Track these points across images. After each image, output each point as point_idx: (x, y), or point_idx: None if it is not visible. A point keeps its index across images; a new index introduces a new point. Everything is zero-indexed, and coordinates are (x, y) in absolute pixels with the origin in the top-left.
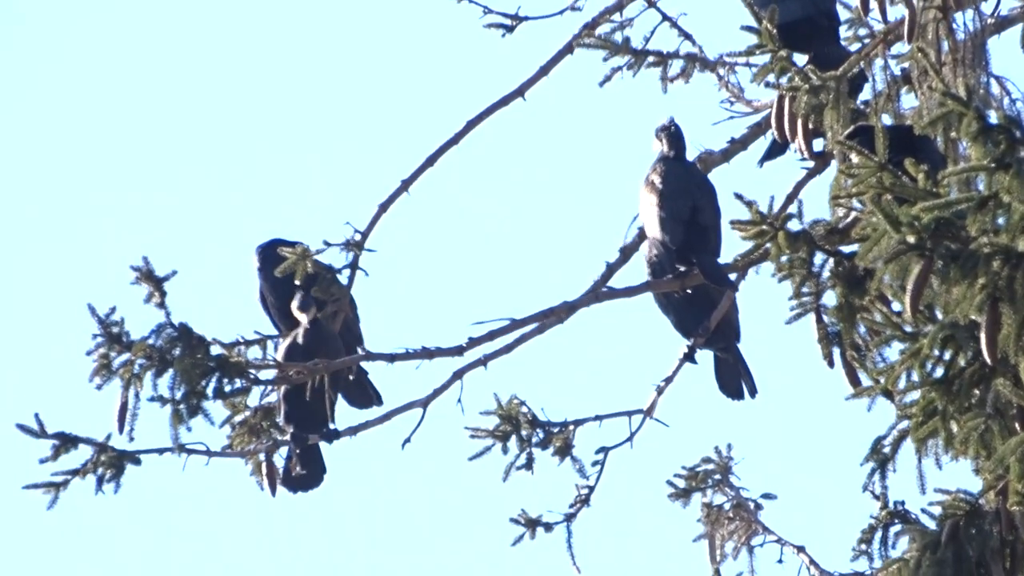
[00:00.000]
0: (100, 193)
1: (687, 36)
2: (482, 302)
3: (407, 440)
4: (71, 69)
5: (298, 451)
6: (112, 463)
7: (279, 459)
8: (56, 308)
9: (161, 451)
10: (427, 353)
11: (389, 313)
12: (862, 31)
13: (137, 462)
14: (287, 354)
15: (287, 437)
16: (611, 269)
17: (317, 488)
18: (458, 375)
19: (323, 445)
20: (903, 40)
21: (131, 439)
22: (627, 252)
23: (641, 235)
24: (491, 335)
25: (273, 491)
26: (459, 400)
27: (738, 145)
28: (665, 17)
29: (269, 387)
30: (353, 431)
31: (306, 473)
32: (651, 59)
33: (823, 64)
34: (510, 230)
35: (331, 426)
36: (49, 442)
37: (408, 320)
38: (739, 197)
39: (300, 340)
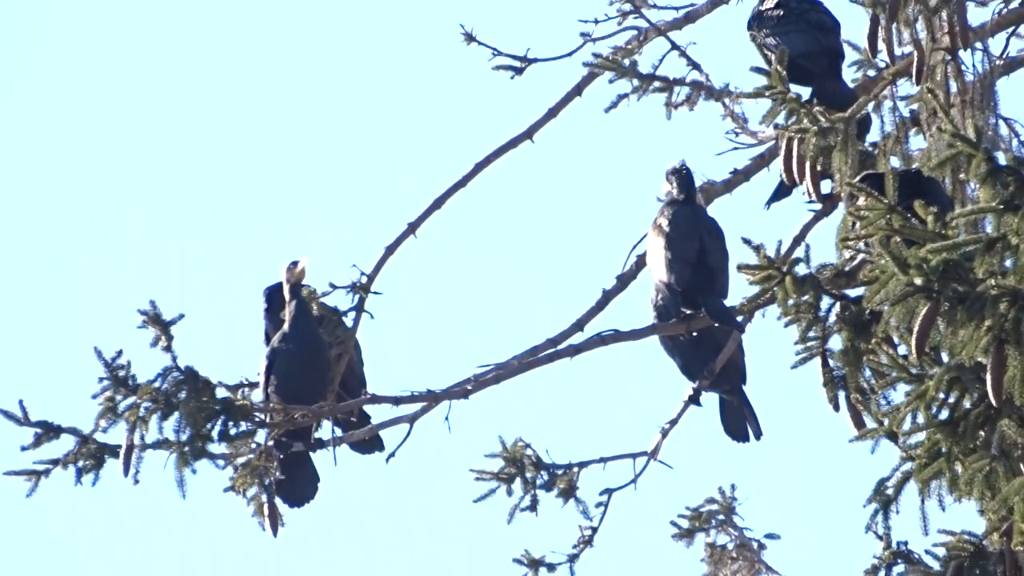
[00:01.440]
0: (108, 229)
1: (695, 65)
2: (488, 339)
3: (392, 454)
4: (76, 108)
5: (281, 456)
6: (93, 455)
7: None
8: (52, 311)
9: (145, 447)
10: (432, 396)
11: (394, 354)
12: (870, 72)
13: (116, 453)
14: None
15: (270, 443)
16: (607, 296)
17: (311, 501)
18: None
19: (317, 461)
20: (911, 80)
21: (136, 482)
22: (624, 280)
23: (639, 264)
24: (496, 378)
25: (275, 531)
26: (446, 418)
27: (740, 176)
28: (674, 46)
29: (274, 431)
30: (339, 441)
31: (299, 486)
32: (657, 84)
33: (826, 100)
34: (515, 267)
35: (315, 435)
36: (32, 430)
37: (413, 361)
38: (747, 242)
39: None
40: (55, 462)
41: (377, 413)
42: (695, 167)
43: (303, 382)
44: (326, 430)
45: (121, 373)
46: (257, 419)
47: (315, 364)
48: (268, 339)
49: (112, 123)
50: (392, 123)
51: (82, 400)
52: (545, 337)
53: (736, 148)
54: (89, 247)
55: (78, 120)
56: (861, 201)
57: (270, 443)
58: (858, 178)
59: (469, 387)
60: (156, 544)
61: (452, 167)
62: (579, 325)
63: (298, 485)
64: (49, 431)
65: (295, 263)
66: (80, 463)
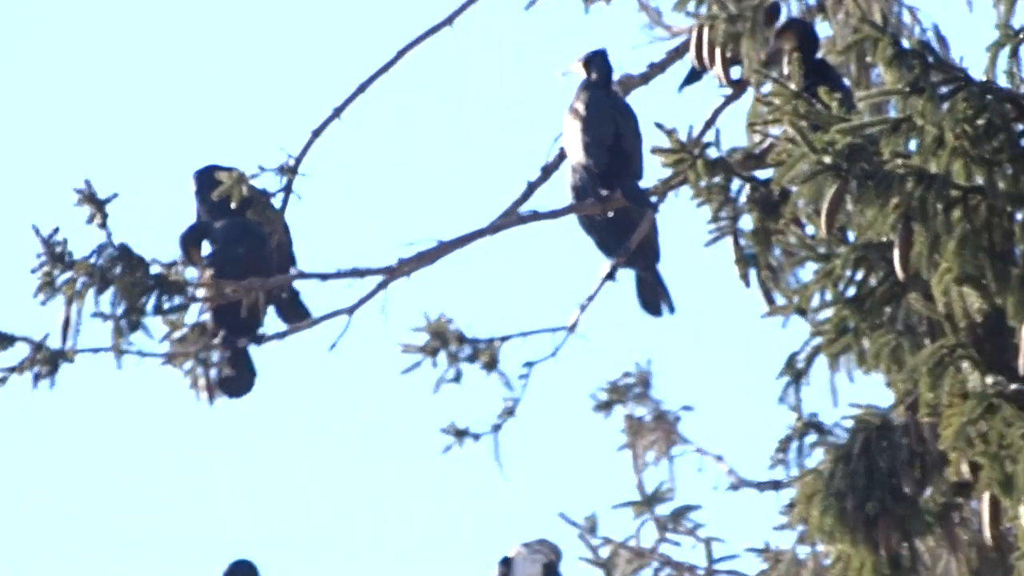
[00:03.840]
0: (45, 116)
1: None
2: (412, 221)
3: (333, 345)
4: None
5: (228, 354)
6: (47, 361)
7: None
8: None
9: (96, 351)
10: (357, 272)
11: (321, 235)
12: None
13: (71, 360)
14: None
15: (217, 341)
16: (532, 187)
17: (249, 392)
18: (383, 285)
19: (253, 350)
20: None
21: (74, 351)
22: (548, 170)
23: (562, 155)
24: (420, 256)
25: (211, 400)
26: (383, 308)
27: (656, 69)
28: None
29: (206, 304)
30: (281, 335)
31: (236, 376)
32: None
33: None
34: (438, 153)
35: (260, 331)
36: None
37: (340, 241)
38: (659, 126)
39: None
40: (11, 369)
41: (306, 288)
42: (613, 62)
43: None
44: (268, 326)
45: (58, 249)
46: (190, 294)
47: (260, 264)
48: (199, 219)
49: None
50: (320, 11)
51: (24, 288)
52: (471, 227)
53: (651, 42)
54: (26, 126)
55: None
56: (767, 87)
57: (217, 340)
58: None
59: (394, 266)
60: (98, 424)
61: (377, 54)
62: (505, 216)
63: (239, 379)
64: (4, 340)
65: None
66: (36, 369)
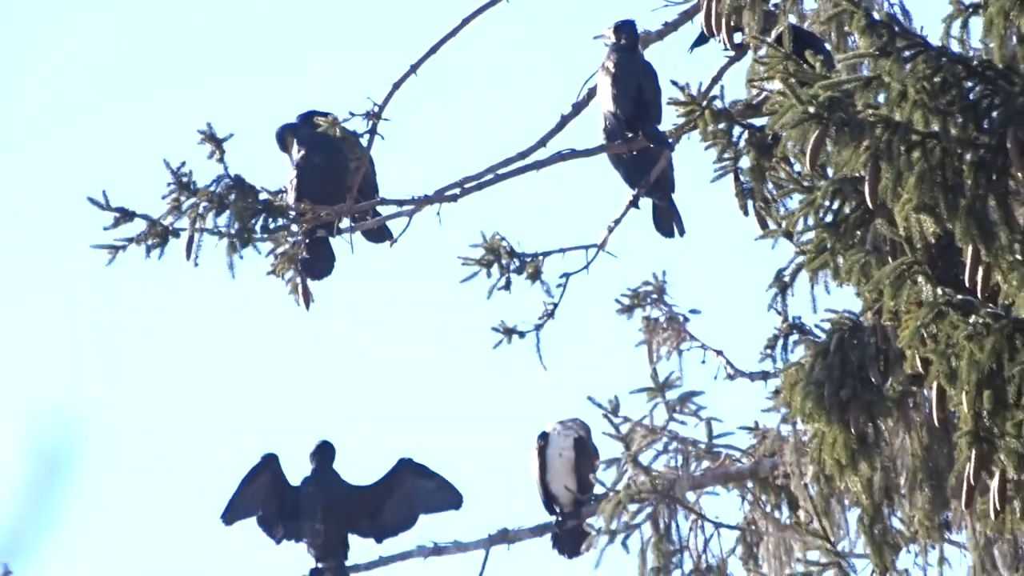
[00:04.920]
0: (176, 64)
1: None
2: (472, 155)
3: (395, 240)
4: None
5: (307, 241)
6: (160, 235)
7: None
8: (129, 131)
9: (202, 231)
10: (427, 200)
11: (400, 170)
12: None
13: (177, 235)
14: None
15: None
16: (564, 120)
17: (329, 275)
18: (449, 198)
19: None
20: None
21: (196, 264)
22: (578, 108)
23: (590, 95)
24: (479, 185)
25: (307, 305)
26: (438, 214)
27: (670, 28)
28: None
29: (302, 223)
30: (354, 228)
31: (319, 261)
32: None
33: None
34: (494, 100)
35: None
36: (112, 214)
37: (414, 174)
38: (675, 83)
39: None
40: (130, 240)
41: (386, 212)
42: (637, 20)
43: (326, 187)
44: (345, 224)
45: (185, 179)
46: (290, 216)
47: (335, 173)
48: (291, 160)
49: None
50: None
51: (152, 201)
52: (516, 151)
53: (667, 5)
54: (158, 72)
55: None
56: (764, 51)
57: (300, 236)
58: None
59: (456, 191)
60: (210, 322)
61: (446, 21)
62: (543, 142)
63: (319, 262)
64: (126, 215)
65: None
66: (150, 241)
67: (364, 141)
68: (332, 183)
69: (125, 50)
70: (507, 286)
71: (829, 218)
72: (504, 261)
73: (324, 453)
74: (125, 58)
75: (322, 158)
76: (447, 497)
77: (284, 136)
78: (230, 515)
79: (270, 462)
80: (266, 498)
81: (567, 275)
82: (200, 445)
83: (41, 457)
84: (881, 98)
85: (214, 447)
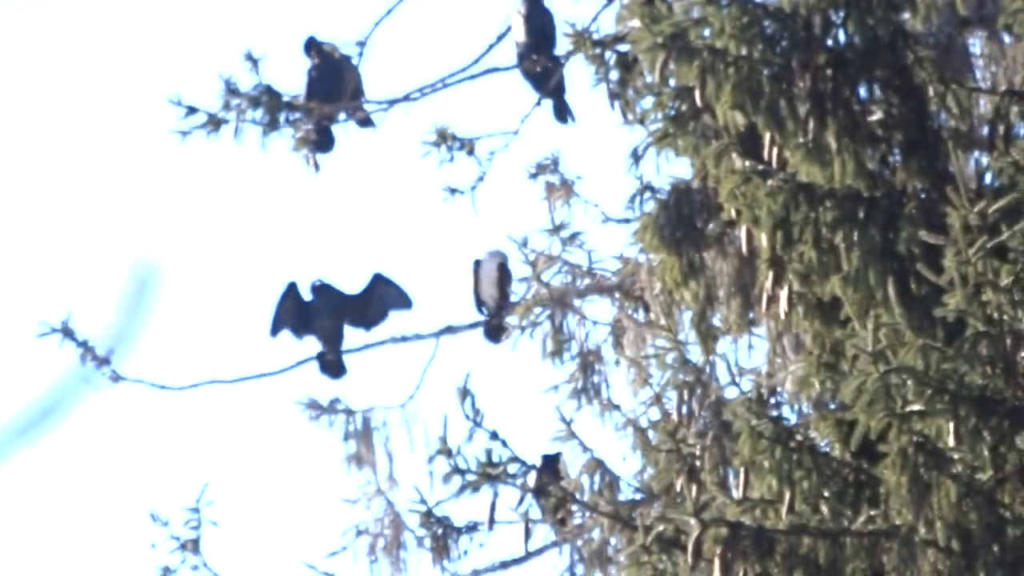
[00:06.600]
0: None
1: None
2: (432, 70)
3: (376, 126)
4: None
5: (316, 128)
6: (215, 123)
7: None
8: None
9: (243, 121)
10: (398, 101)
11: (382, 79)
12: None
13: (227, 121)
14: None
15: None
16: (491, 46)
17: (331, 151)
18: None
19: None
20: None
21: (240, 144)
22: (500, 38)
23: (508, 30)
24: (433, 89)
25: (316, 170)
26: (405, 112)
27: None
28: None
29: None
30: (346, 120)
31: (324, 141)
32: None
33: None
34: (447, 33)
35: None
36: (183, 109)
37: (394, 84)
38: (568, 23)
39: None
40: (196, 127)
41: (370, 109)
42: None
43: (329, 91)
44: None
45: (232, 87)
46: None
47: (336, 82)
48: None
49: None
50: None
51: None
52: (459, 68)
53: None
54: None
55: None
56: None
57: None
58: None
59: (417, 94)
60: (248, 186)
61: None
62: (476, 62)
63: (324, 142)
64: (192, 110)
65: None
66: (209, 128)
67: (355, 61)
68: (334, 89)
69: None
70: (451, 160)
71: (672, 114)
72: (449, 143)
73: (322, 284)
74: None
75: (326, 72)
76: (405, 299)
77: (309, 49)
78: (275, 328)
79: (292, 288)
80: (293, 313)
81: (493, 152)
82: (234, 275)
83: (133, 279)
84: (707, 32)
85: (247, 276)
